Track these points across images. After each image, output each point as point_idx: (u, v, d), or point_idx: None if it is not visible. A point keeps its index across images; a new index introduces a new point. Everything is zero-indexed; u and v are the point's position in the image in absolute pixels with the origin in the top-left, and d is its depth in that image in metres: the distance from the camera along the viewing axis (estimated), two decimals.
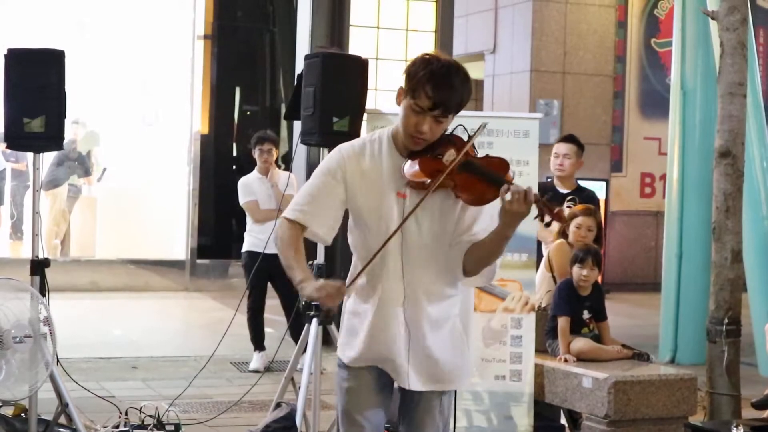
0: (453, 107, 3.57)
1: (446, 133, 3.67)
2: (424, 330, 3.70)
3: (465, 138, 3.65)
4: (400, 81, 3.61)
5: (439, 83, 3.52)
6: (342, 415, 3.86)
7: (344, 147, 3.77)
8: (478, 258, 3.62)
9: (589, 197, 7.45)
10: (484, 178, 3.56)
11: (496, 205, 3.52)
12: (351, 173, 3.69)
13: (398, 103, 3.65)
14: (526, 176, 6.29)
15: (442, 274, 3.71)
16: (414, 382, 3.73)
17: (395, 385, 3.86)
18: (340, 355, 3.86)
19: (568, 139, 7.53)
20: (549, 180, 7.73)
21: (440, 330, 3.73)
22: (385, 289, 3.70)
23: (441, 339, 3.74)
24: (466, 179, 3.56)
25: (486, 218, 3.65)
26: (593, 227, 6.62)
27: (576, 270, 6.32)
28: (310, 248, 7.93)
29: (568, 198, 7.08)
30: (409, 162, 3.62)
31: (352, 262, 3.82)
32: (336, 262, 8.92)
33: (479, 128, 3.66)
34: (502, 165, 3.63)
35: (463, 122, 3.75)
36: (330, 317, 3.61)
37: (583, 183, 7.83)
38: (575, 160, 7.45)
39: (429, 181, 3.55)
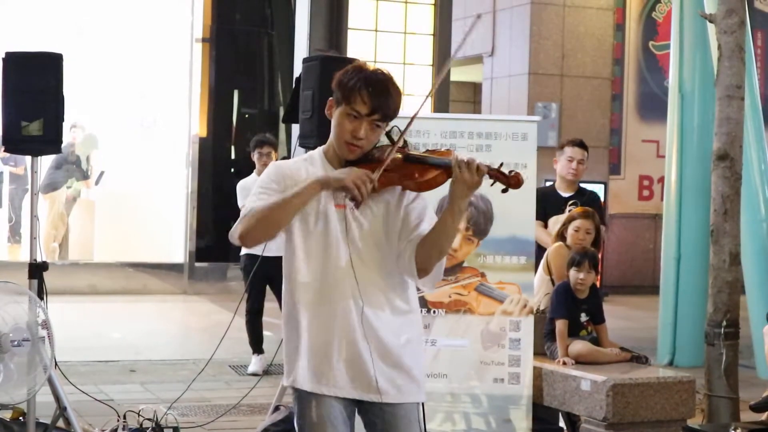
0: (390, 113, 3.54)
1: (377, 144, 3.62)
2: (385, 339, 3.59)
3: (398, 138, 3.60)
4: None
5: (376, 89, 3.51)
6: None
7: (280, 164, 3.70)
8: (431, 242, 3.51)
9: (592, 199, 7.45)
10: (429, 163, 3.52)
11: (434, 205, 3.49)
12: (290, 188, 3.56)
13: (329, 116, 3.62)
14: (524, 179, 6.28)
15: (394, 283, 3.62)
16: (385, 394, 3.59)
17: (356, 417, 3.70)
18: (301, 386, 3.61)
19: (581, 144, 7.52)
20: (551, 183, 7.72)
21: (399, 339, 3.62)
22: (341, 305, 3.56)
23: (402, 347, 3.62)
24: (411, 168, 3.52)
25: (431, 215, 3.62)
26: (591, 230, 6.62)
27: (573, 273, 6.32)
28: None
29: (570, 202, 7.08)
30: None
31: (283, 290, 3.71)
32: None
33: (410, 121, 3.58)
34: (446, 152, 3.59)
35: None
36: (359, 204, 3.46)
37: (581, 186, 7.82)
38: (585, 165, 7.49)
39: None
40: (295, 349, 3.63)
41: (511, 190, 3.51)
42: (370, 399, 3.60)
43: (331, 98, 3.62)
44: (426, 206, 3.65)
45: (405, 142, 3.60)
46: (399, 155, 3.54)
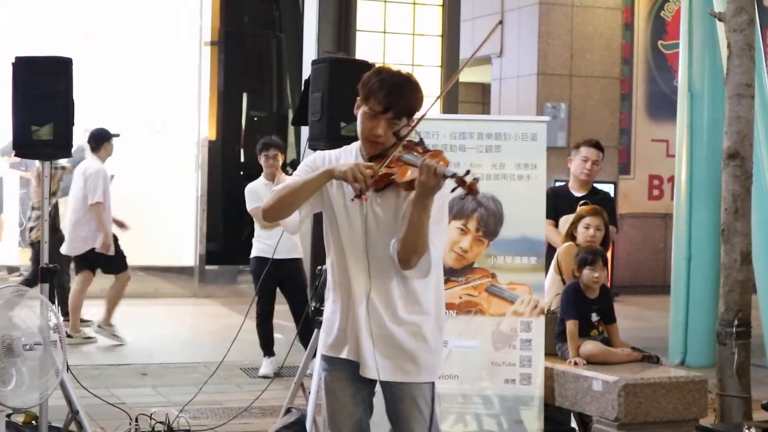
0: (404, 111, 3.83)
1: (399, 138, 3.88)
2: (387, 321, 3.88)
3: (417, 141, 3.90)
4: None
5: (390, 89, 3.81)
6: (327, 420, 4.06)
7: (324, 152, 4.05)
8: (403, 235, 3.76)
9: (605, 199, 7.45)
10: (410, 162, 3.78)
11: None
12: None
13: (355, 114, 3.93)
14: (534, 180, 6.29)
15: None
16: (382, 372, 3.88)
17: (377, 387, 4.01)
18: (320, 351, 4.11)
19: (597, 145, 7.53)
20: (564, 183, 7.71)
21: (405, 322, 3.90)
22: (353, 283, 3.90)
23: (407, 331, 3.90)
24: (403, 169, 3.79)
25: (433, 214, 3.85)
26: (601, 227, 6.61)
27: (587, 273, 6.31)
28: (320, 254, 7.95)
29: (581, 202, 7.08)
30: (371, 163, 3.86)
31: (327, 262, 4.05)
32: None
33: (417, 120, 3.88)
34: (437, 153, 3.84)
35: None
36: (360, 195, 3.69)
37: (594, 186, 7.81)
38: (600, 166, 7.51)
39: (378, 176, 3.78)
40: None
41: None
42: (369, 377, 3.90)
43: (358, 98, 3.92)
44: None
45: (422, 142, 3.88)
46: (404, 153, 3.82)
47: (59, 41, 12.45)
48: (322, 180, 3.83)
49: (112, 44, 13.97)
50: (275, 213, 3.92)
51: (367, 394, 4.03)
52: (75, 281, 10.13)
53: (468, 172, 3.62)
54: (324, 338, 4.04)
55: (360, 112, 3.88)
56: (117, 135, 10.40)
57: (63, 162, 10.92)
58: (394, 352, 3.89)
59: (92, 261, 10.08)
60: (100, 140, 10.21)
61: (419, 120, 3.88)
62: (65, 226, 10.52)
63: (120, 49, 13.98)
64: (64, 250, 10.14)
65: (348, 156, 3.97)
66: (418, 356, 3.91)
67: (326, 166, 3.86)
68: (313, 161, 3.99)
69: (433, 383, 3.99)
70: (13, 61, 5.77)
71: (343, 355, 3.95)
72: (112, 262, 10.13)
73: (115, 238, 10.16)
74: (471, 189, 3.62)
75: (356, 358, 3.93)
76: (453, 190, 3.71)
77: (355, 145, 4.00)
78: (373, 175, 3.71)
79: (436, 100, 4.01)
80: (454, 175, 3.63)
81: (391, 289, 3.89)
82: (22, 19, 13.52)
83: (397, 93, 3.81)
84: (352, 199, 3.78)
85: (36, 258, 10.70)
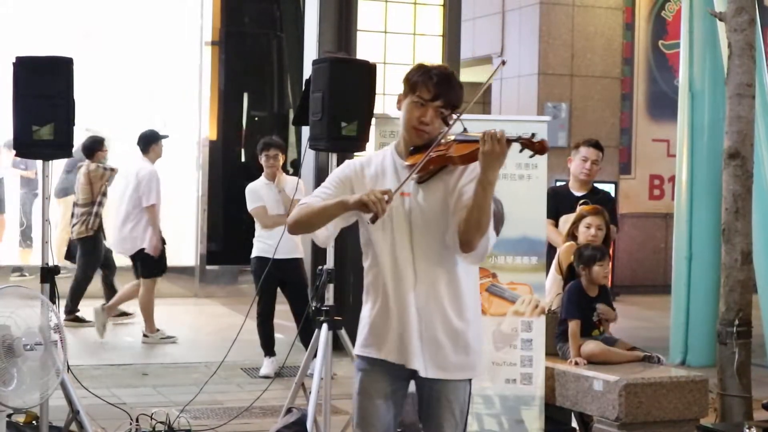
0: (451, 101, 3.93)
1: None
2: (434, 316, 3.91)
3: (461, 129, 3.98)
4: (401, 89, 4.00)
5: (439, 79, 3.92)
6: (356, 420, 4.05)
7: (353, 160, 4.12)
8: (467, 214, 3.78)
9: (604, 199, 7.45)
10: (469, 140, 3.87)
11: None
12: (358, 181, 4.00)
13: (399, 108, 4.01)
14: (534, 179, 6.29)
15: (450, 265, 3.94)
16: (428, 369, 3.91)
17: (410, 389, 4.03)
18: (356, 352, 4.09)
19: (597, 145, 7.53)
20: (564, 183, 7.71)
21: (451, 318, 3.93)
22: (397, 282, 3.92)
23: (452, 327, 3.93)
24: (458, 146, 3.87)
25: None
26: (603, 226, 6.62)
27: (597, 269, 6.31)
28: (320, 254, 7.95)
29: (581, 202, 7.08)
30: (409, 163, 3.93)
31: (366, 263, 4.04)
32: (346, 267, 8.92)
33: (461, 111, 3.97)
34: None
35: (471, 126, 4.03)
36: (376, 219, 3.73)
37: (595, 185, 7.81)
38: (600, 166, 7.51)
39: (426, 155, 3.86)
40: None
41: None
42: (415, 368, 3.91)
43: (399, 93, 4.01)
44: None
45: (464, 129, 3.96)
46: (452, 137, 3.91)
47: (60, 41, 12.45)
48: (338, 211, 3.88)
49: (112, 44, 13.96)
50: (297, 230, 4.05)
51: (400, 396, 4.05)
52: (141, 285, 10.19)
53: (533, 135, 3.70)
54: (362, 339, 4.05)
55: (405, 102, 3.95)
56: (166, 136, 10.60)
57: (110, 164, 11.18)
58: (438, 350, 3.92)
59: (141, 260, 10.16)
60: (149, 142, 10.37)
61: (465, 108, 3.97)
62: (112, 225, 10.74)
63: (121, 49, 13.98)
64: (117, 250, 10.34)
65: (378, 159, 4.03)
66: (461, 353, 3.96)
67: (342, 196, 3.89)
68: (342, 172, 4.04)
69: (470, 382, 4.04)
70: (14, 61, 5.76)
71: (383, 355, 3.97)
72: (155, 264, 10.19)
73: (163, 242, 10.26)
74: (542, 147, 3.72)
75: (397, 359, 3.94)
76: (521, 151, 3.78)
77: (387, 149, 4.07)
78: (388, 198, 3.71)
79: (477, 95, 4.10)
80: (518, 138, 3.72)
81: (437, 286, 3.92)
82: (23, 19, 13.51)
83: (447, 83, 3.92)
84: (368, 222, 3.80)
85: (74, 254, 11.04)
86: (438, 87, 3.90)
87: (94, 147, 10.96)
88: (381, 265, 3.96)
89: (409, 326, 3.90)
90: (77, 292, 10.94)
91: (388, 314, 3.94)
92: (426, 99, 3.90)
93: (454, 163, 3.88)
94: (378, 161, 4.03)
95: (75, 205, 11.14)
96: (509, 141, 3.70)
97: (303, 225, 3.98)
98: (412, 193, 3.92)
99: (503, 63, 4.18)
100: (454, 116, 3.94)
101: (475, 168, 3.81)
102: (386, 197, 3.71)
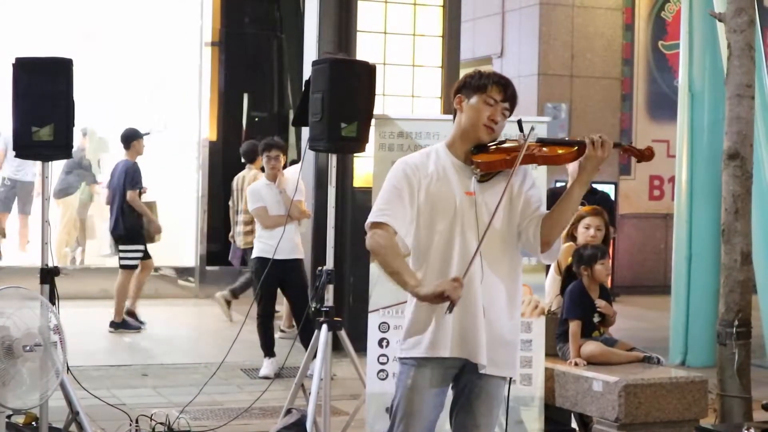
0: (514, 105, 4.23)
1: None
2: (496, 313, 4.09)
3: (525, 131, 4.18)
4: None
5: (507, 84, 4.23)
6: (402, 413, 4.15)
7: (406, 160, 4.23)
8: (556, 214, 4.10)
9: (602, 199, 7.45)
10: (561, 143, 4.19)
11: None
12: (419, 180, 4.13)
13: (460, 109, 4.20)
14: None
15: (512, 260, 4.17)
16: (488, 366, 4.07)
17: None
18: (407, 354, 4.15)
19: None
20: (563, 184, 7.71)
21: (508, 316, 4.14)
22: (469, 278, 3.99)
23: (508, 324, 4.14)
24: (546, 148, 4.16)
25: (541, 197, 4.27)
26: (602, 227, 6.63)
27: (600, 268, 6.32)
28: (320, 254, 7.95)
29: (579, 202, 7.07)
30: (479, 161, 4.12)
31: (412, 263, 4.15)
32: (344, 267, 8.93)
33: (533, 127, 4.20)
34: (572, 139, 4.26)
35: None
36: (453, 307, 3.87)
37: (593, 186, 7.81)
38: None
39: (509, 158, 4.08)
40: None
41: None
42: (481, 362, 4.06)
43: (459, 95, 4.23)
44: (542, 194, 4.38)
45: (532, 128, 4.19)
46: (533, 142, 4.16)
47: (60, 42, 12.44)
48: (404, 287, 4.00)
49: (112, 45, 13.97)
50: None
51: (444, 396, 4.19)
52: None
53: (631, 143, 3.94)
54: (415, 341, 4.12)
55: (473, 101, 4.15)
56: (147, 134, 10.97)
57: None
58: (497, 346, 4.09)
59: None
60: (129, 139, 10.92)
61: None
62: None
63: (121, 49, 13.99)
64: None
65: (438, 158, 4.17)
66: (511, 351, 4.18)
67: (411, 280, 3.97)
68: (398, 181, 4.14)
69: (510, 380, 4.20)
70: (14, 61, 5.76)
71: (443, 354, 4.07)
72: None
73: (141, 226, 10.90)
74: (649, 154, 4.10)
75: (459, 353, 4.07)
76: (626, 155, 4.15)
77: (440, 147, 4.22)
78: (459, 284, 3.84)
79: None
80: (619, 145, 4.05)
81: (499, 284, 4.10)
82: (23, 19, 13.52)
83: (513, 88, 4.23)
84: (447, 313, 3.89)
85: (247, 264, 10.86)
86: (507, 90, 4.18)
87: (258, 152, 10.17)
88: (450, 263, 4.06)
89: (477, 321, 4.04)
90: (247, 287, 11.11)
91: (445, 313, 4.00)
92: (497, 99, 4.15)
93: (539, 163, 4.22)
94: (433, 160, 4.17)
95: (238, 212, 10.96)
96: (615, 145, 4.00)
97: (380, 266, 4.25)
98: (477, 192, 4.10)
99: (532, 129, 4.19)
100: (530, 123, 4.22)
101: (531, 173, 4.19)
102: (457, 284, 3.85)
